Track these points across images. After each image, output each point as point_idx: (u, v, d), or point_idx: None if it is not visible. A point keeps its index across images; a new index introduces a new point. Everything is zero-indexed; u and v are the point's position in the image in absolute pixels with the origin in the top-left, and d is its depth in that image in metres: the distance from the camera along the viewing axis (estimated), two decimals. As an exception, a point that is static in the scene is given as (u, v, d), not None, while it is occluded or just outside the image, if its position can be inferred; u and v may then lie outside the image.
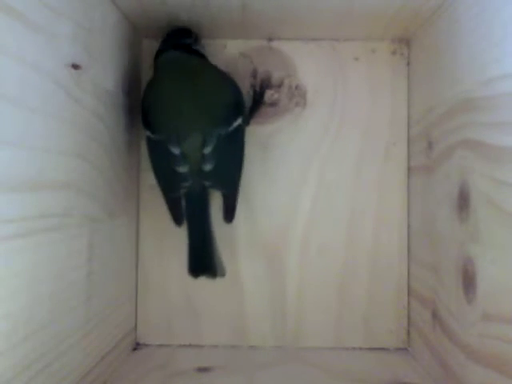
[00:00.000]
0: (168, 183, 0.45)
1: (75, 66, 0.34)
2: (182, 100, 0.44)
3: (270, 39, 0.51)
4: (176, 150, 0.44)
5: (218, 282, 0.50)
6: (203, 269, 0.45)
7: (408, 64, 0.51)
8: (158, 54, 0.47)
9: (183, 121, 0.44)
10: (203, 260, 0.45)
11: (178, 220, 0.45)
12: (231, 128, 0.44)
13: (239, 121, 0.45)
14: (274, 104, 0.51)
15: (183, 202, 0.45)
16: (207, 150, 0.43)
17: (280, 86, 0.51)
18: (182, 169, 0.43)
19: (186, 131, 0.44)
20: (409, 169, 0.50)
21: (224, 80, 0.46)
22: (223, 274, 0.46)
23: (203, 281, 0.50)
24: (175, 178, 0.44)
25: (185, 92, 0.44)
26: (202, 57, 0.47)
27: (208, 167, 0.43)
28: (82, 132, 0.36)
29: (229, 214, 0.46)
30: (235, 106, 0.45)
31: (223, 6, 0.43)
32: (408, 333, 0.50)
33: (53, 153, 0.31)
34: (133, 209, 0.50)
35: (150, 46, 0.51)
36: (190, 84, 0.44)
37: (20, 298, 0.28)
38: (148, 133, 0.45)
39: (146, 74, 0.50)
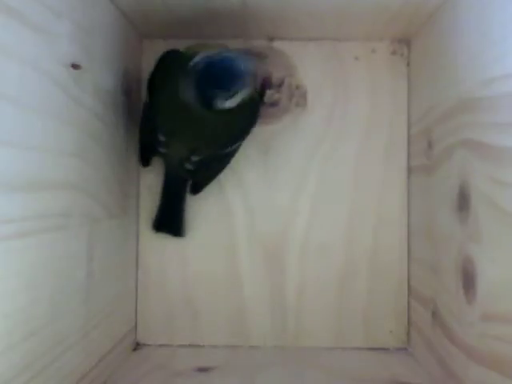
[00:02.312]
0: (145, 145, 0.48)
1: (74, 66, 0.34)
2: (196, 110, 0.41)
3: (271, 39, 0.51)
4: (161, 137, 0.44)
5: (217, 282, 0.50)
6: (166, 227, 0.49)
7: (408, 64, 0.51)
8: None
9: (184, 126, 0.43)
10: (170, 220, 0.49)
11: (144, 162, 0.49)
12: (226, 151, 0.46)
13: (238, 144, 0.46)
14: (274, 104, 0.51)
15: (165, 164, 0.48)
16: (194, 158, 0.45)
17: (280, 85, 0.51)
18: (163, 150, 0.45)
19: (181, 135, 0.44)
20: (409, 169, 0.50)
21: (247, 120, 0.45)
22: (183, 235, 0.50)
23: (203, 281, 0.51)
24: (153, 149, 0.46)
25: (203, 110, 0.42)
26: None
27: (189, 167, 0.46)
28: (82, 132, 0.36)
29: (196, 190, 0.49)
30: (241, 137, 0.46)
31: (224, 5, 0.43)
32: (408, 333, 0.50)
33: (52, 153, 0.31)
34: (133, 209, 0.50)
35: (150, 46, 0.51)
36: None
37: (20, 298, 0.28)
38: (148, 98, 0.45)
39: (146, 74, 0.50)
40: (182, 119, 0.43)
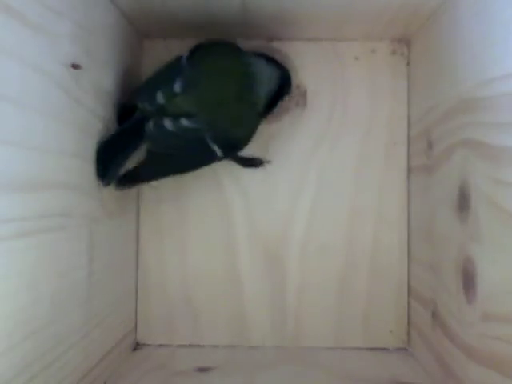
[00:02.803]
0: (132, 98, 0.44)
1: (75, 66, 0.34)
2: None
3: (270, 39, 0.51)
4: (177, 89, 0.42)
5: (217, 282, 0.50)
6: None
7: (408, 64, 0.51)
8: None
9: (212, 90, 0.42)
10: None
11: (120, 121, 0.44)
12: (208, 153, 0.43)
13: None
14: (273, 104, 0.51)
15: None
16: (184, 122, 0.42)
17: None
18: (162, 100, 0.42)
19: (199, 92, 0.42)
20: (409, 169, 0.50)
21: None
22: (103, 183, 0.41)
23: (203, 281, 0.51)
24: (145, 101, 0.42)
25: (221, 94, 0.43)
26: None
27: (169, 127, 0.42)
28: (82, 132, 0.36)
29: (134, 178, 0.43)
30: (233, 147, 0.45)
31: (223, 5, 0.43)
32: (408, 333, 0.50)
33: (53, 153, 0.32)
34: (133, 209, 0.50)
35: (150, 46, 0.51)
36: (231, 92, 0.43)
37: (20, 298, 0.28)
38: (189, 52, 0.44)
39: (146, 74, 0.50)
40: (216, 84, 0.43)
